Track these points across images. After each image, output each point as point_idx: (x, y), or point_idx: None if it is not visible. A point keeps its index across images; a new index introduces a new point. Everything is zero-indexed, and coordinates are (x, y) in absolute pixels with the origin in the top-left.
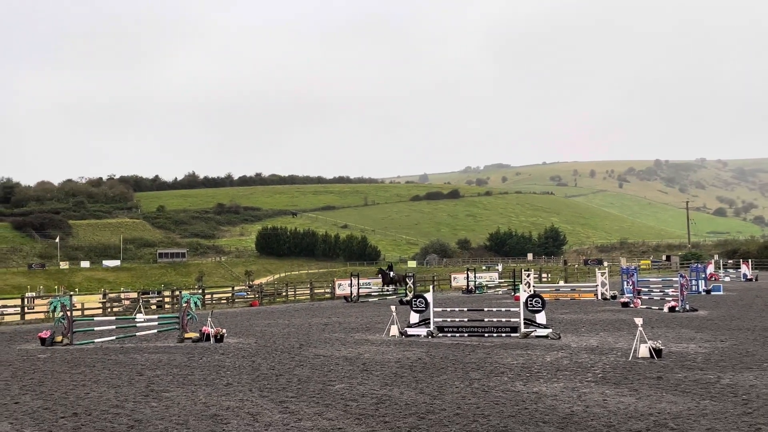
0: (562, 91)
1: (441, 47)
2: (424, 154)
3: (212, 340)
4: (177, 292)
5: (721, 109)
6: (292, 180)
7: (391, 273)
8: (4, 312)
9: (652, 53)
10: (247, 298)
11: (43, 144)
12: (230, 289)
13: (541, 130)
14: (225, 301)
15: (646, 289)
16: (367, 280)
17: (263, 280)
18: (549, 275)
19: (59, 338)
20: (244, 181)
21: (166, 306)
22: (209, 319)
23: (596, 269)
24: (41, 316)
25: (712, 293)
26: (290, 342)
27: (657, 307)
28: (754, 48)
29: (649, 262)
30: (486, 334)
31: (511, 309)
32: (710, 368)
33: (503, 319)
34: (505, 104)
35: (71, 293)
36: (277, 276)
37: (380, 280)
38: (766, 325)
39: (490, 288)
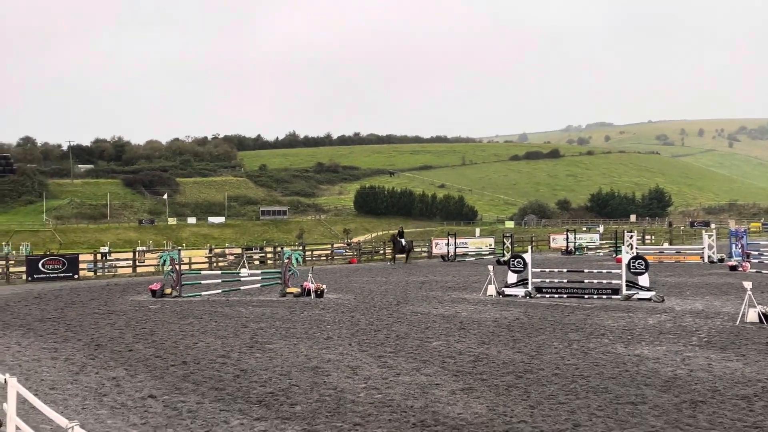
0: (670, 46)
1: (543, 1)
2: (524, 112)
3: (313, 295)
4: (279, 249)
5: None
6: (389, 139)
7: (403, 240)
8: (117, 265)
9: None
10: (346, 255)
11: (151, 103)
12: (329, 246)
13: (647, 87)
14: (324, 258)
15: (756, 253)
16: (464, 240)
17: (361, 238)
18: (653, 237)
19: (168, 290)
20: (343, 141)
21: (269, 261)
22: (310, 275)
23: (703, 231)
24: (151, 269)
25: None
26: (388, 299)
27: (767, 271)
28: None
29: (760, 224)
30: (586, 296)
31: (613, 271)
32: None
33: (604, 281)
34: (610, 60)
35: (179, 248)
36: (374, 234)
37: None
38: None
39: (590, 249)
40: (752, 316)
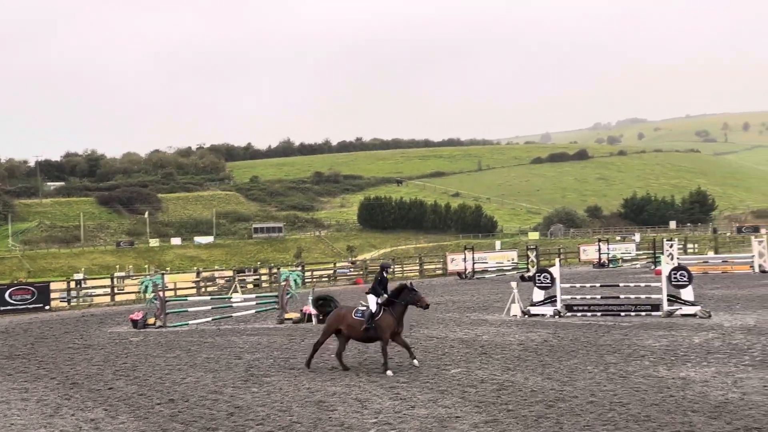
0: (711, 31)
1: None
2: (546, 110)
3: (314, 320)
4: (275, 270)
5: None
6: (396, 144)
7: None
8: (94, 293)
9: None
10: (350, 275)
11: (128, 112)
12: (332, 265)
13: (684, 78)
14: (326, 279)
15: None
16: (483, 254)
17: (367, 256)
18: (696, 246)
19: (152, 320)
20: (344, 147)
21: (264, 285)
22: (310, 298)
23: (752, 238)
24: (132, 297)
25: None
26: None
27: None
28: None
29: None
30: (622, 313)
31: (652, 284)
32: None
33: (642, 296)
34: (642, 48)
35: (163, 272)
36: (382, 251)
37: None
38: None
39: (625, 261)
40: None
